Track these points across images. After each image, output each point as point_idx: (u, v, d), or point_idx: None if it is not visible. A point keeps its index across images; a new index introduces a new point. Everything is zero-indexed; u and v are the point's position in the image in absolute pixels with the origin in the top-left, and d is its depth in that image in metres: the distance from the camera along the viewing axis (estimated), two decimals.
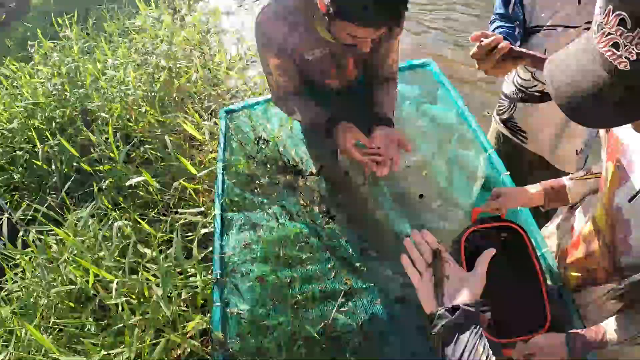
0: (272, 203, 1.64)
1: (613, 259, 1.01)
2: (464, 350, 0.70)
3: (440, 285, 0.79)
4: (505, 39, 0.98)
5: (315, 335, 1.26)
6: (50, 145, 2.50)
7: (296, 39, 1.29)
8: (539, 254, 1.27)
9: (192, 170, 1.61)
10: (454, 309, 0.74)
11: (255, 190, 1.58)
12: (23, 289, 1.74)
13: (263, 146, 1.87)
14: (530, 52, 0.97)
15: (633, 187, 0.89)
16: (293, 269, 1.39)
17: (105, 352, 1.40)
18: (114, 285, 1.50)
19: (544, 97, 1.49)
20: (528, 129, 1.64)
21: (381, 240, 1.81)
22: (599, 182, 1.17)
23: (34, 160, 2.45)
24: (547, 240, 1.39)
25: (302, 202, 1.68)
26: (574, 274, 1.19)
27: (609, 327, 1.00)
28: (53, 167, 2.43)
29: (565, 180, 1.22)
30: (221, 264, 1.24)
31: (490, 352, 0.70)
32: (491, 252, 0.83)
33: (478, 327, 0.73)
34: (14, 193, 2.51)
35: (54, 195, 2.19)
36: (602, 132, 1.05)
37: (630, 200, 0.90)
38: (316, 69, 1.39)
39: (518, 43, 1.32)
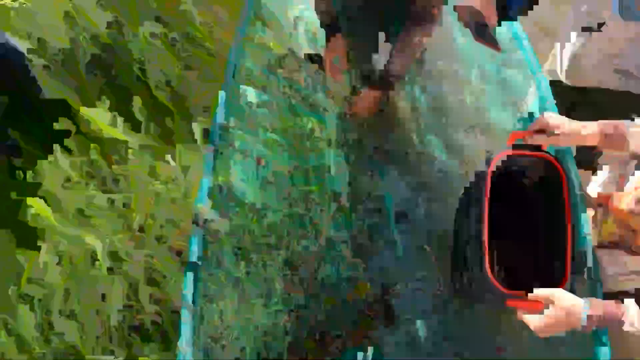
0: (294, 93, 1.48)
1: None
2: None
3: None
4: None
5: None
6: None
7: None
8: (573, 202, 1.12)
9: None
10: None
11: (278, 72, 1.42)
12: None
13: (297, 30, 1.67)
14: None
15: None
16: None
17: None
18: None
19: None
20: None
21: (402, 150, 1.65)
22: None
23: None
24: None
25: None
26: (610, 226, 1.08)
27: (631, 309, 0.89)
28: None
29: (627, 124, 1.05)
30: (222, 132, 1.09)
31: None
32: None
33: None
34: None
35: None
36: None
37: None
38: None
39: None
